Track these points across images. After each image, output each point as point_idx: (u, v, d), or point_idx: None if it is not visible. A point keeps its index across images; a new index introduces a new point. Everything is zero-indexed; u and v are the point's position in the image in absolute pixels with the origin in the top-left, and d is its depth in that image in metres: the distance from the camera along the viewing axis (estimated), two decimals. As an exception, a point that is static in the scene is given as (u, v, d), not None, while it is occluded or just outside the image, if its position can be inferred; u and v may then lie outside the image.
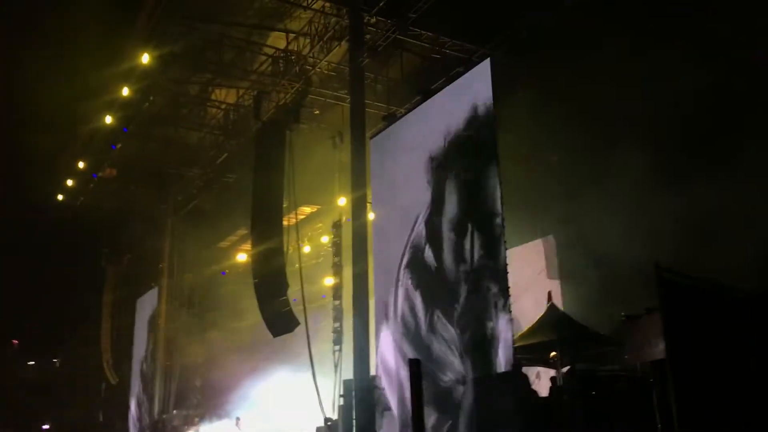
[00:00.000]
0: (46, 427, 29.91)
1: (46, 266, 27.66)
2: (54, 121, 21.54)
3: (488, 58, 13.72)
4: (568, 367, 13.20)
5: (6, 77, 20.03)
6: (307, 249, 22.21)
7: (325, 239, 22.26)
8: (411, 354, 14.39)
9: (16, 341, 33.14)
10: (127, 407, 28.12)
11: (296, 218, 18.09)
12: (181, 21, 17.01)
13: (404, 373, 14.47)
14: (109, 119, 20.44)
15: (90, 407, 30.68)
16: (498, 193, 12.72)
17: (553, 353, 14.29)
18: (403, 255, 15.40)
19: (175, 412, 26.00)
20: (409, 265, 15.18)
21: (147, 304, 27.85)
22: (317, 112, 19.55)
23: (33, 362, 33.53)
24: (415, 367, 5.12)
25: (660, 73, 12.99)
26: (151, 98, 19.40)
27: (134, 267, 28.07)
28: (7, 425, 27.90)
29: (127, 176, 24.45)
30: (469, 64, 14.94)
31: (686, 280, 8.40)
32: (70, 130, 22.71)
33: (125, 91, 19.06)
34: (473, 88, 13.80)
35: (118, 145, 21.95)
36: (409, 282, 14.97)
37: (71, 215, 26.07)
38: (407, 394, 13.47)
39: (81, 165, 23.90)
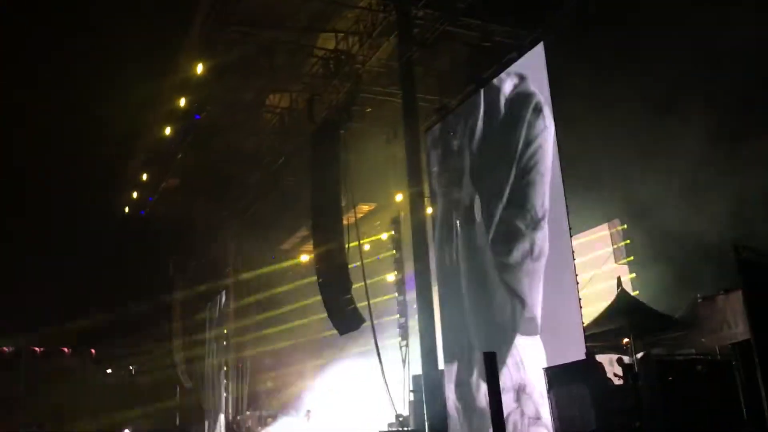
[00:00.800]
0: (126, 431, 30.87)
1: (115, 277, 28.50)
2: (115, 134, 22.18)
3: (541, 42, 13.47)
4: (642, 354, 12.88)
5: (65, 90, 20.65)
6: (366, 246, 22.23)
7: (385, 236, 22.26)
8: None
9: (94, 350, 34.30)
10: (202, 412, 28.78)
11: (355, 216, 18.13)
12: (233, 28, 17.22)
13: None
14: (168, 130, 20.90)
15: (166, 412, 31.52)
16: (560, 179, 12.49)
17: (626, 339, 13.97)
18: (463, 247, 15.27)
19: (248, 413, 26.51)
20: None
21: (215, 308, 28.44)
22: (369, 109, 19.54)
23: (110, 370, 34.64)
24: (490, 361, 5.03)
25: (723, 43, 12.52)
26: (208, 108, 19.74)
27: (201, 273, 28.67)
28: (88, 428, 28.97)
29: (188, 185, 24.97)
30: (521, 50, 14.67)
31: (765, 255, 8.08)
32: (132, 142, 23.34)
33: (182, 102, 19.45)
34: (527, 74, 13.59)
35: (179, 155, 22.44)
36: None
37: (138, 226, 26.84)
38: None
39: (144, 177, 24.57)
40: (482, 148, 14.89)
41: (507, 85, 14.22)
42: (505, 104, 14.22)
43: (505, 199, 13.84)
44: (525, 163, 13.36)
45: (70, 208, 24.79)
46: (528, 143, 13.24)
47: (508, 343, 13.32)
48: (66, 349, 33.61)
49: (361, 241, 18.48)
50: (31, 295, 26.58)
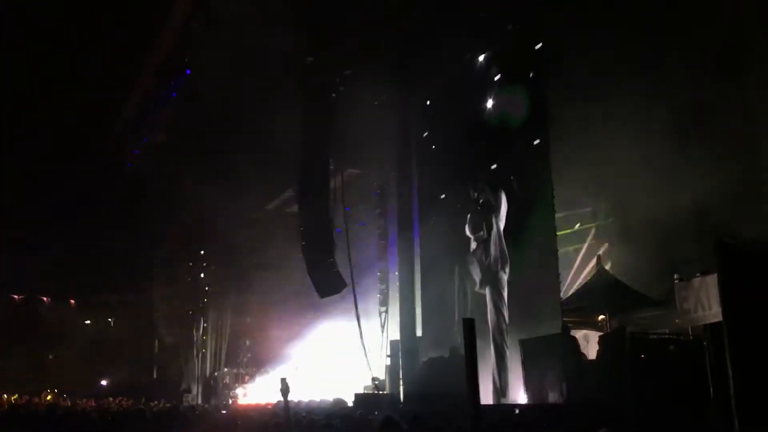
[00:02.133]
0: (104, 383, 31.00)
1: (98, 226, 28.32)
2: (106, 83, 21.83)
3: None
4: (615, 330, 13.13)
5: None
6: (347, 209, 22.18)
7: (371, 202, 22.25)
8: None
9: (73, 300, 34.24)
10: (180, 365, 28.98)
11: (342, 180, 18.15)
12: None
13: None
14: (157, 84, 20.70)
15: (144, 365, 31.66)
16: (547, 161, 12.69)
17: (601, 316, 14.22)
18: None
19: (225, 369, 26.75)
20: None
21: (197, 265, 28.49)
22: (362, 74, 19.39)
23: (89, 321, 34.63)
24: (468, 327, 5.14)
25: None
26: (198, 63, 19.50)
27: (184, 229, 28.57)
28: (66, 382, 29.03)
29: (175, 142, 24.74)
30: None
31: (743, 242, 8.22)
32: (123, 92, 23.02)
33: (172, 56, 19.24)
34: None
35: (166, 110, 22.24)
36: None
37: (124, 178, 26.65)
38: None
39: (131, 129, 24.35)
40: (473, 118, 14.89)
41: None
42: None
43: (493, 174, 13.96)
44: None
45: (55, 154, 24.49)
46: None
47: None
48: (45, 299, 33.52)
49: (348, 207, 18.56)
50: (11, 243, 26.41)
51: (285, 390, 7.32)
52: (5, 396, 22.82)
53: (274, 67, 17.91)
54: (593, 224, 16.74)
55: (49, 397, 25.11)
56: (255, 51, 17.50)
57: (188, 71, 19.66)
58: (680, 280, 11.02)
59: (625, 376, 9.75)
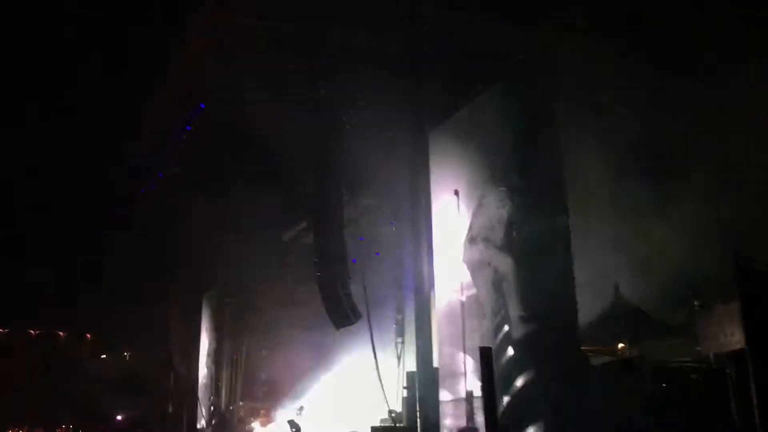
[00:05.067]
0: (119, 418, 30.89)
1: (115, 267, 28.51)
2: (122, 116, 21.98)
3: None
4: (636, 358, 12.90)
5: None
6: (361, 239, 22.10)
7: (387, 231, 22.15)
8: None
9: (89, 335, 34.34)
10: (195, 399, 28.80)
11: (357, 210, 18.13)
12: (241, 18, 17.17)
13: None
14: (173, 116, 20.90)
15: (160, 400, 31.54)
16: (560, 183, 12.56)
17: (621, 345, 14.00)
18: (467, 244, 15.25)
19: (241, 403, 26.54)
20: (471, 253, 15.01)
21: (212, 300, 28.44)
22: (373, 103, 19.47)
23: (105, 356, 34.68)
24: (486, 354, 5.03)
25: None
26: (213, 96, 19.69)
27: (199, 264, 28.64)
28: (81, 417, 28.97)
29: (188, 175, 24.87)
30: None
31: (765, 267, 8.08)
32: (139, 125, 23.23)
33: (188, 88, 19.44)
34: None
35: (182, 143, 22.36)
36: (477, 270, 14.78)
37: (137, 212, 26.79)
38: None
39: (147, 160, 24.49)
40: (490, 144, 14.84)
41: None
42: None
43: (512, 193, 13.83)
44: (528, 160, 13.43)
45: (70, 186, 24.73)
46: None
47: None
48: (61, 333, 33.65)
49: (362, 237, 18.49)
50: (28, 277, 26.61)
51: (296, 430, 7.25)
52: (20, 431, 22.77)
53: (288, 98, 18.04)
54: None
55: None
56: (269, 81, 17.66)
57: (202, 105, 19.85)
58: (701, 306, 10.84)
59: (647, 406, 9.55)
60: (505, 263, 13.46)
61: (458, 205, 14.98)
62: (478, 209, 14.52)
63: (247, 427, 24.83)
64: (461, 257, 15.19)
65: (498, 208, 13.92)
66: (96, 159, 23.61)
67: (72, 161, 23.70)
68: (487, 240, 14.31)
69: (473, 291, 14.39)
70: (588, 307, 15.45)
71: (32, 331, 33.09)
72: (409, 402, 16.27)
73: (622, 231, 16.24)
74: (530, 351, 12.66)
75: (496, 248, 13.88)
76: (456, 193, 14.82)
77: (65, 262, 27.43)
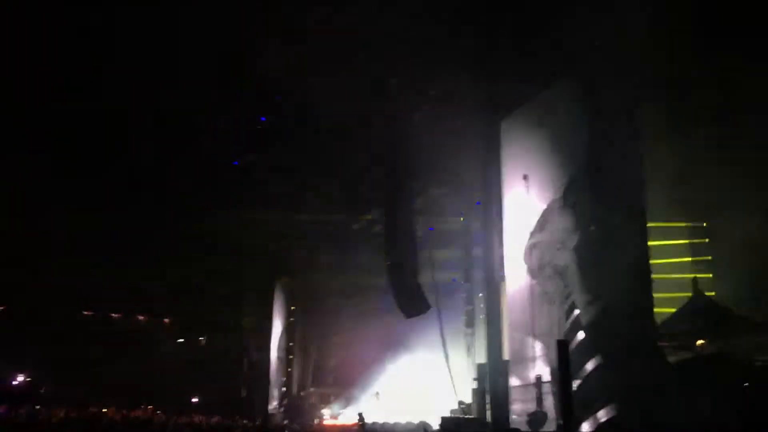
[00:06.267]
0: (195, 400, 31.82)
1: (192, 252, 29.27)
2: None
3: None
4: (714, 355, 12.48)
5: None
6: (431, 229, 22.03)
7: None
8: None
9: (167, 320, 35.45)
10: (268, 384, 29.46)
11: (427, 200, 18.12)
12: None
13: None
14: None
15: (233, 384, 32.34)
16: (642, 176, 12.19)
17: (700, 341, 13.54)
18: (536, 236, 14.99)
19: (312, 389, 27.01)
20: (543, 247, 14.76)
21: (284, 287, 29.00)
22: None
23: (182, 340, 35.74)
24: (563, 349, 4.97)
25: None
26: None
27: (273, 253, 29.15)
28: (159, 398, 29.97)
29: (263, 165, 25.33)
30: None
31: None
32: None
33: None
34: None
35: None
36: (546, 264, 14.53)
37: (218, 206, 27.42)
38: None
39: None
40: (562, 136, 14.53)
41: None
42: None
43: (586, 189, 13.51)
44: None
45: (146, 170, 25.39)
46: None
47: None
48: (142, 317, 34.86)
49: (431, 227, 18.49)
50: (108, 262, 27.58)
51: (362, 425, 7.36)
52: (104, 410, 23.77)
53: (361, 89, 18.14)
54: (686, 241, 16.01)
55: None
56: (340, 74, 17.80)
57: (278, 97, 20.19)
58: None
59: (728, 405, 9.22)
60: (575, 258, 13.17)
61: (527, 191, 14.69)
62: (547, 207, 14.22)
63: (317, 413, 25.26)
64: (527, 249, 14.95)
65: (566, 206, 13.61)
66: (170, 145, 24.11)
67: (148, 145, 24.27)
68: (552, 235, 14.02)
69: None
70: (667, 303, 15.07)
71: (113, 315, 34.39)
72: (478, 393, 16.24)
73: (702, 226, 15.77)
74: (604, 346, 12.38)
75: (564, 244, 13.58)
76: (525, 177, 14.51)
77: (145, 247, 28.32)
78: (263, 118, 20.82)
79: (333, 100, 19.77)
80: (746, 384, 10.25)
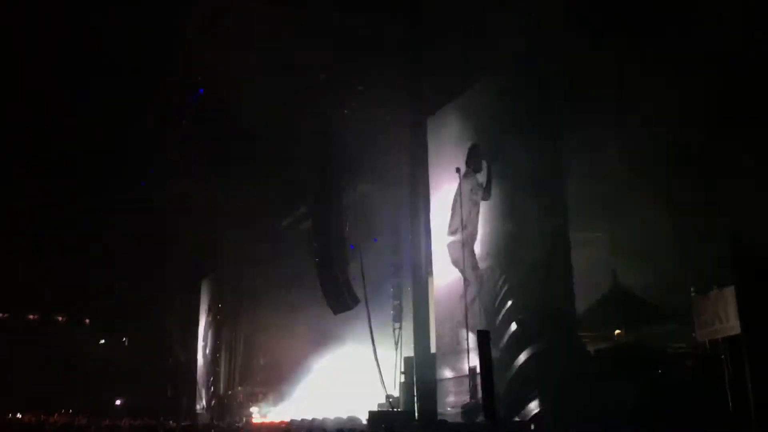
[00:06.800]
0: (118, 402, 31.05)
1: (114, 253, 28.52)
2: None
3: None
4: (631, 345, 12.99)
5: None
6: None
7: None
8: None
9: (88, 320, 34.41)
10: (194, 384, 28.97)
11: (355, 195, 18.16)
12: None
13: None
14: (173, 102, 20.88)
15: (159, 384, 31.69)
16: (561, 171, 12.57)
17: (617, 331, 14.06)
18: (461, 230, 15.24)
19: (240, 388, 26.68)
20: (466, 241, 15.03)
21: (210, 285, 28.56)
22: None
23: (103, 341, 34.76)
24: (483, 338, 5.08)
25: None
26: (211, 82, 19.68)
27: (197, 250, 28.69)
28: (80, 401, 29.08)
29: (188, 161, 24.87)
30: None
31: (763, 254, 8.11)
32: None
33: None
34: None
35: (181, 129, 22.41)
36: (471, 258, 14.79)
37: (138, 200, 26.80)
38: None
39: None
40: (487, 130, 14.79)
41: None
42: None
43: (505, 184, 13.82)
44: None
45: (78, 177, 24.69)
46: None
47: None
48: (60, 318, 33.72)
49: (360, 222, 18.53)
50: (25, 263, 26.60)
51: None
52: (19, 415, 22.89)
53: (288, 84, 18.02)
54: (599, 234, 16.54)
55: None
56: (268, 68, 17.64)
57: (201, 90, 19.82)
58: (697, 293, 10.86)
59: (641, 393, 9.62)
60: (497, 252, 13.47)
61: (459, 186, 14.93)
62: (472, 201, 14.48)
63: (246, 412, 24.98)
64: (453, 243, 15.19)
65: (487, 201, 13.90)
66: (94, 147, 23.50)
67: (70, 150, 23.62)
68: (475, 229, 14.30)
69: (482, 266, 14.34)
70: (585, 294, 15.55)
71: (31, 316, 33.15)
72: (406, 387, 16.40)
73: (619, 218, 16.31)
74: (525, 336, 12.70)
75: (486, 238, 13.88)
76: (458, 170, 14.72)
77: (61, 248, 27.42)
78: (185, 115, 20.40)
79: (260, 95, 19.62)
80: (659, 370, 10.74)
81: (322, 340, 22.61)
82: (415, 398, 15.41)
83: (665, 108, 12.65)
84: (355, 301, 17.53)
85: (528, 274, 12.69)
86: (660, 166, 13.53)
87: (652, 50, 13.07)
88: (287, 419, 20.57)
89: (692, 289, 10.96)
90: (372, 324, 17.77)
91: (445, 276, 15.55)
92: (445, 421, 13.38)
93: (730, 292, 9.15)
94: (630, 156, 14.31)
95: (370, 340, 17.70)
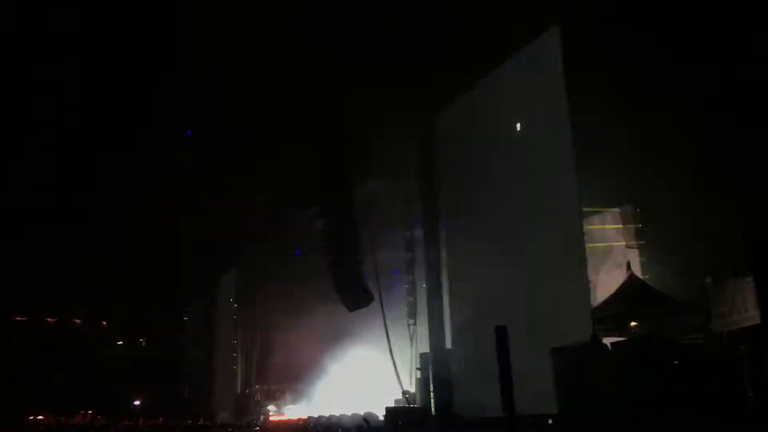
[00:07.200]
0: (136, 403, 31.21)
1: (130, 253, 28.60)
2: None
3: (557, 30, 13.21)
4: (646, 336, 12.87)
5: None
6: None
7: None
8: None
9: (105, 323, 34.63)
10: (211, 383, 29.08)
11: (367, 192, 18.12)
12: None
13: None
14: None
15: (176, 384, 31.84)
16: (572, 162, 12.44)
17: (633, 323, 13.94)
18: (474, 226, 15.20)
19: (257, 386, 26.76)
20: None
21: (227, 283, 28.63)
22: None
23: (121, 342, 34.97)
24: (502, 335, 5.03)
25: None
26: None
27: (214, 249, 28.73)
28: (100, 402, 29.29)
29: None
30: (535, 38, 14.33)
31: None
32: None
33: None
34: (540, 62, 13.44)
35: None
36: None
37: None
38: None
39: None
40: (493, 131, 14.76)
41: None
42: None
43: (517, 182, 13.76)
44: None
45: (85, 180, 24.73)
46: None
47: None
48: (77, 320, 33.96)
49: (372, 219, 18.49)
50: (43, 266, 26.77)
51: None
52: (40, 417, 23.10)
53: (293, 81, 17.97)
54: (619, 227, 16.42)
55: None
56: (279, 66, 17.58)
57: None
58: (714, 283, 10.75)
59: (658, 385, 9.51)
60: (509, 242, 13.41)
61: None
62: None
63: (263, 410, 25.05)
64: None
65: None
66: (111, 152, 23.50)
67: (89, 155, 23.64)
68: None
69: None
70: (600, 287, 15.46)
71: (49, 319, 33.39)
72: (422, 383, 16.39)
73: (634, 210, 16.20)
74: (541, 329, 12.63)
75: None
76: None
77: (79, 250, 27.55)
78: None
79: (272, 93, 19.60)
80: (675, 362, 10.62)
81: (337, 337, 22.63)
82: (431, 394, 15.40)
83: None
84: (370, 298, 17.53)
85: (542, 266, 12.65)
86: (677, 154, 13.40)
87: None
88: (304, 417, 20.61)
89: (708, 279, 10.86)
90: (386, 320, 17.77)
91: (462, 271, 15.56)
92: (461, 417, 13.36)
93: (748, 282, 9.04)
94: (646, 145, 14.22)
95: (385, 337, 17.71)
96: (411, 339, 19.10)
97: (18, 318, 32.19)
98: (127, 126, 22.27)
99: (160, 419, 23.18)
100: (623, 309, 13.61)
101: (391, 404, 17.09)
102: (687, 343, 10.99)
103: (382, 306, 17.64)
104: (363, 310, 18.20)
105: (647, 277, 14.87)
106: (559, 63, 12.79)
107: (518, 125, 13.97)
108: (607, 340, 13.11)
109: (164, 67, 19.45)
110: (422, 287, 18.14)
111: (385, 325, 17.86)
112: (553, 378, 11.41)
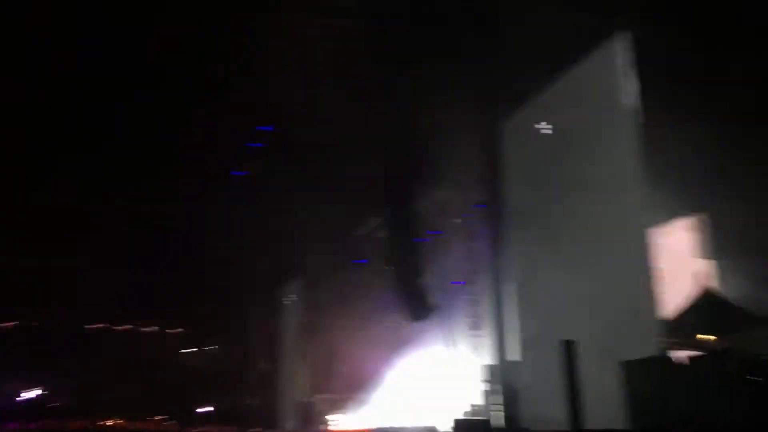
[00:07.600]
0: (210, 409, 31.82)
1: (199, 261, 29.23)
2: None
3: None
4: (721, 350, 12.37)
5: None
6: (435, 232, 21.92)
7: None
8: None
9: (175, 330, 35.48)
10: (278, 391, 29.44)
11: (429, 202, 18.10)
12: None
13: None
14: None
15: (243, 392, 32.34)
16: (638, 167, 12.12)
17: (706, 336, 13.45)
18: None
19: (319, 396, 26.95)
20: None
21: (292, 293, 29.00)
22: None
23: (192, 350, 35.76)
24: (569, 350, 4.92)
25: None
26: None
27: (277, 259, 29.16)
28: (170, 409, 30.03)
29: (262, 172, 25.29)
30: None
31: None
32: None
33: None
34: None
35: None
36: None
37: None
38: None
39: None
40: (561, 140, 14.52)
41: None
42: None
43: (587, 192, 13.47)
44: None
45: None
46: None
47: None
48: (148, 329, 34.92)
49: (435, 229, 18.44)
50: (113, 274, 27.59)
51: None
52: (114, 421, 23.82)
53: (361, 92, 18.12)
54: (691, 236, 15.88)
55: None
56: (337, 77, 17.79)
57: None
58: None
59: (734, 401, 9.13)
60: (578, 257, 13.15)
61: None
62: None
63: (325, 419, 25.21)
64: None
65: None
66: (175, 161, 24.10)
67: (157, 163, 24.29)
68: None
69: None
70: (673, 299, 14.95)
71: (119, 328, 34.42)
72: (489, 395, 16.21)
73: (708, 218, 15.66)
74: (611, 341, 12.30)
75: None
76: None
77: (148, 259, 28.29)
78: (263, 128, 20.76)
79: (334, 106, 19.83)
80: (755, 379, 10.15)
81: (401, 347, 22.61)
82: (502, 406, 15.19)
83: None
84: (432, 308, 17.45)
85: (611, 279, 12.34)
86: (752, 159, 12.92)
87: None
88: (367, 427, 20.63)
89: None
90: (450, 331, 17.67)
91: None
92: (528, 429, 13.13)
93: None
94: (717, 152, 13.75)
95: (449, 348, 17.60)
96: (476, 351, 18.93)
97: (93, 326, 33.35)
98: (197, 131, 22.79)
99: (230, 427, 23.56)
100: (697, 322, 13.15)
101: (459, 416, 16.93)
102: (766, 359, 10.48)
103: (445, 317, 17.54)
104: (426, 320, 18.13)
105: (724, 288, 14.32)
106: (630, 69, 12.50)
107: (586, 133, 13.72)
108: (681, 354, 12.78)
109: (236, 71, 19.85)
110: (486, 298, 17.97)
111: (448, 336, 17.76)
112: (623, 392, 11.11)
